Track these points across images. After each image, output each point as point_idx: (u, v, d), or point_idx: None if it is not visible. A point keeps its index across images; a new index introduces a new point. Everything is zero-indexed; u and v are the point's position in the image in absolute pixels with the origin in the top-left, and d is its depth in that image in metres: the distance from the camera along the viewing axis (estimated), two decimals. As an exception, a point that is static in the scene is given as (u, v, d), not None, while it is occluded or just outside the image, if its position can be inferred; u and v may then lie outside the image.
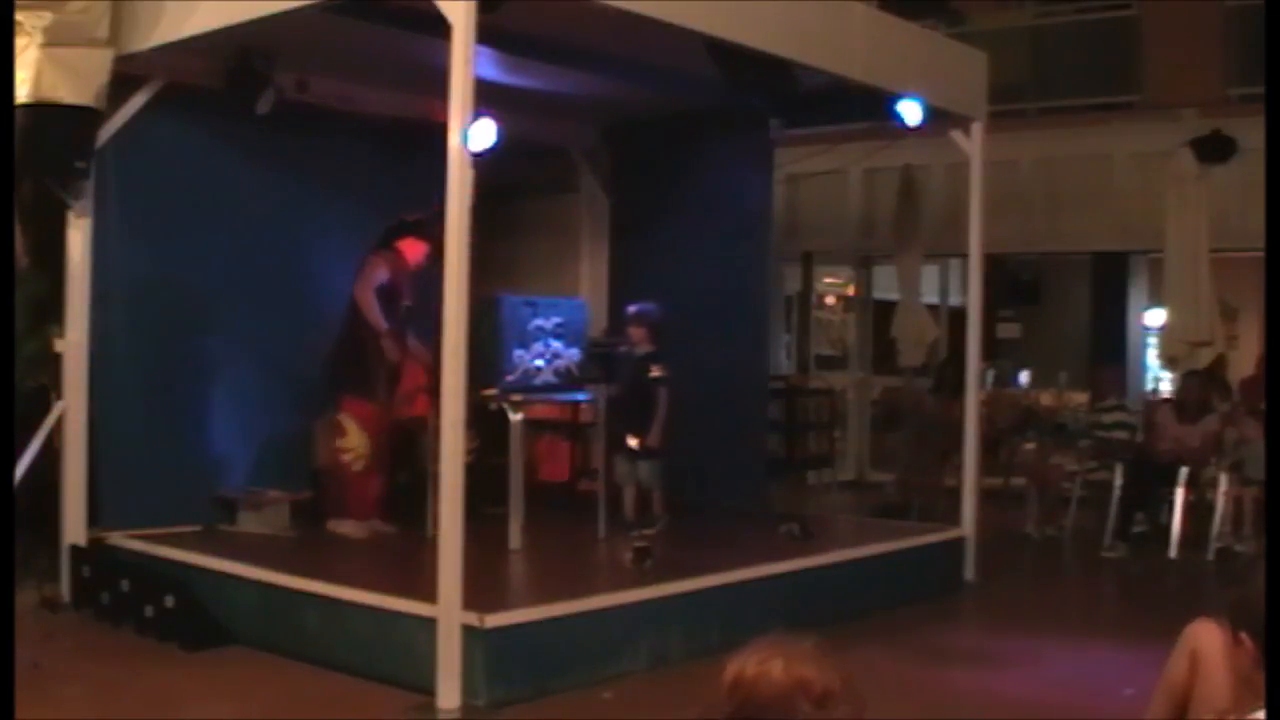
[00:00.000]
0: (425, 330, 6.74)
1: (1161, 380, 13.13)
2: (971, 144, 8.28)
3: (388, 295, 7.34)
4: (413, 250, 7.48)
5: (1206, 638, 3.13)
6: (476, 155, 5.44)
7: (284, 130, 7.44)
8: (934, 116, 7.94)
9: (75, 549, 6.80)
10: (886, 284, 13.85)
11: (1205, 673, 3.12)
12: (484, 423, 7.46)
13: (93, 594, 6.62)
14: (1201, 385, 10.00)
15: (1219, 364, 11.42)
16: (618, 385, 7.72)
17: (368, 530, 7.27)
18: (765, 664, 1.89)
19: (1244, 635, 2.71)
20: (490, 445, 7.43)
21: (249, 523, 7.28)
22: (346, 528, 7.23)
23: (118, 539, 6.90)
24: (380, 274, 7.34)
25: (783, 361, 14.32)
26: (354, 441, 7.27)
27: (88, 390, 6.91)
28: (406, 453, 7.81)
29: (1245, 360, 12.28)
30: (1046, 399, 12.43)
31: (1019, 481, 10.90)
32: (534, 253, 9.75)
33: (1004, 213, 10.83)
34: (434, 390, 5.98)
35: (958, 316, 10.93)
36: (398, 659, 5.44)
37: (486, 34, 5.29)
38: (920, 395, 11.60)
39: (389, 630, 5.51)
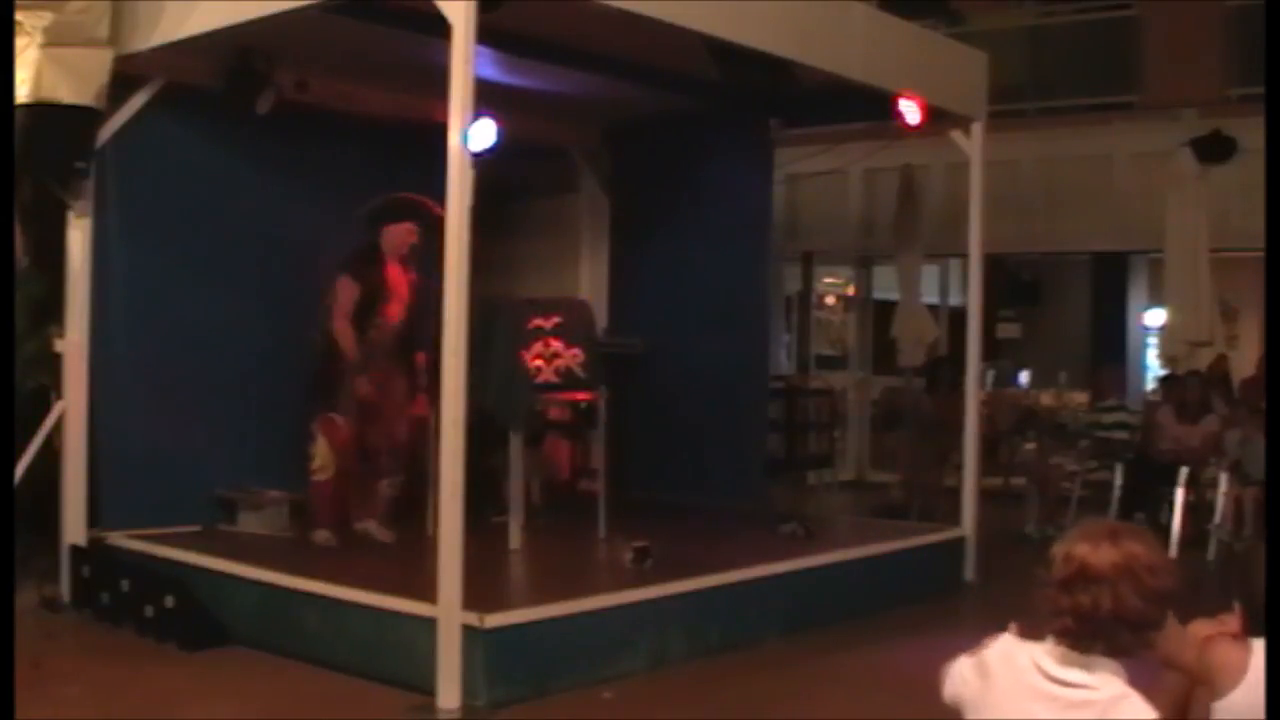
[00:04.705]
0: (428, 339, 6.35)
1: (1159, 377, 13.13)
2: (971, 144, 8.28)
3: (366, 308, 7.01)
4: (391, 239, 7.10)
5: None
6: (476, 155, 5.44)
7: (284, 130, 7.44)
8: (934, 116, 7.94)
9: (75, 549, 6.79)
10: (886, 284, 13.84)
11: (1207, 673, 3.11)
12: (484, 423, 7.44)
13: (93, 594, 6.62)
14: (1202, 385, 10.00)
15: (1220, 364, 11.42)
16: None
17: (338, 539, 7.06)
18: (1097, 544, 2.27)
19: (1237, 604, 2.79)
20: (490, 446, 7.41)
21: (249, 523, 7.27)
22: (319, 537, 7.08)
23: (118, 539, 6.90)
24: (349, 296, 6.98)
25: (783, 361, 14.31)
26: (320, 453, 7.07)
27: (88, 390, 6.91)
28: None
29: (1245, 360, 12.28)
30: (1046, 399, 12.46)
31: (1019, 481, 10.90)
32: (534, 253, 9.75)
33: (1004, 213, 10.82)
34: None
35: (958, 316, 10.93)
36: (398, 659, 5.44)
37: (486, 34, 5.29)
38: (920, 395, 11.60)
39: (389, 630, 5.51)
